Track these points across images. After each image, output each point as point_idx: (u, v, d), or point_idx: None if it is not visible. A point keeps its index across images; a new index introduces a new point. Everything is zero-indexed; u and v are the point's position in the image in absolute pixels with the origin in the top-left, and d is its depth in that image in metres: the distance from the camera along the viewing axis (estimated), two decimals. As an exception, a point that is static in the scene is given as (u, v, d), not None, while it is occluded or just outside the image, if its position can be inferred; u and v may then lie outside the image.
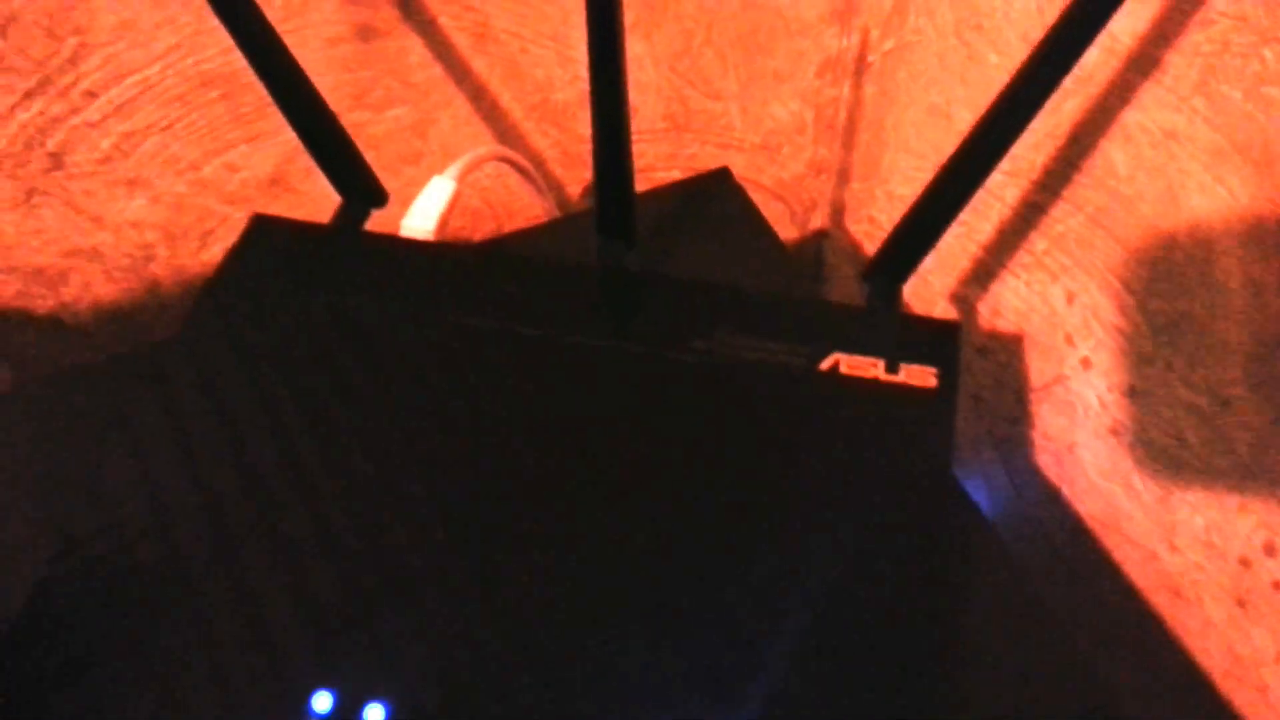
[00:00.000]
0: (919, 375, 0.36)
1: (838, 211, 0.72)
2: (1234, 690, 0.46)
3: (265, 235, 0.42)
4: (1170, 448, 0.46)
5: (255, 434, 0.36)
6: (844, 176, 0.70)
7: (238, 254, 0.42)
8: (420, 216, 0.45)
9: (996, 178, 0.54)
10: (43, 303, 0.55)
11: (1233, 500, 0.43)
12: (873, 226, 0.68)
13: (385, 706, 0.30)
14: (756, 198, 0.71)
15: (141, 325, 0.58)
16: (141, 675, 0.31)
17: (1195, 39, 0.39)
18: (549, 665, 0.30)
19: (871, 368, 0.36)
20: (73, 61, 0.47)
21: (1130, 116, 0.43)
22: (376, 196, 0.46)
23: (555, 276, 0.40)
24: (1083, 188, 0.48)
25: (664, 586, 0.31)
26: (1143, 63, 0.42)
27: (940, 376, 0.36)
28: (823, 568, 0.31)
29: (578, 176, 0.64)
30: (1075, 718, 0.34)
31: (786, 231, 0.75)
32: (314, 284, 0.40)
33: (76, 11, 0.45)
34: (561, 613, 0.31)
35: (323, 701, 0.30)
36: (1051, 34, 0.34)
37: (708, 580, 0.32)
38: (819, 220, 0.75)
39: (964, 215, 0.57)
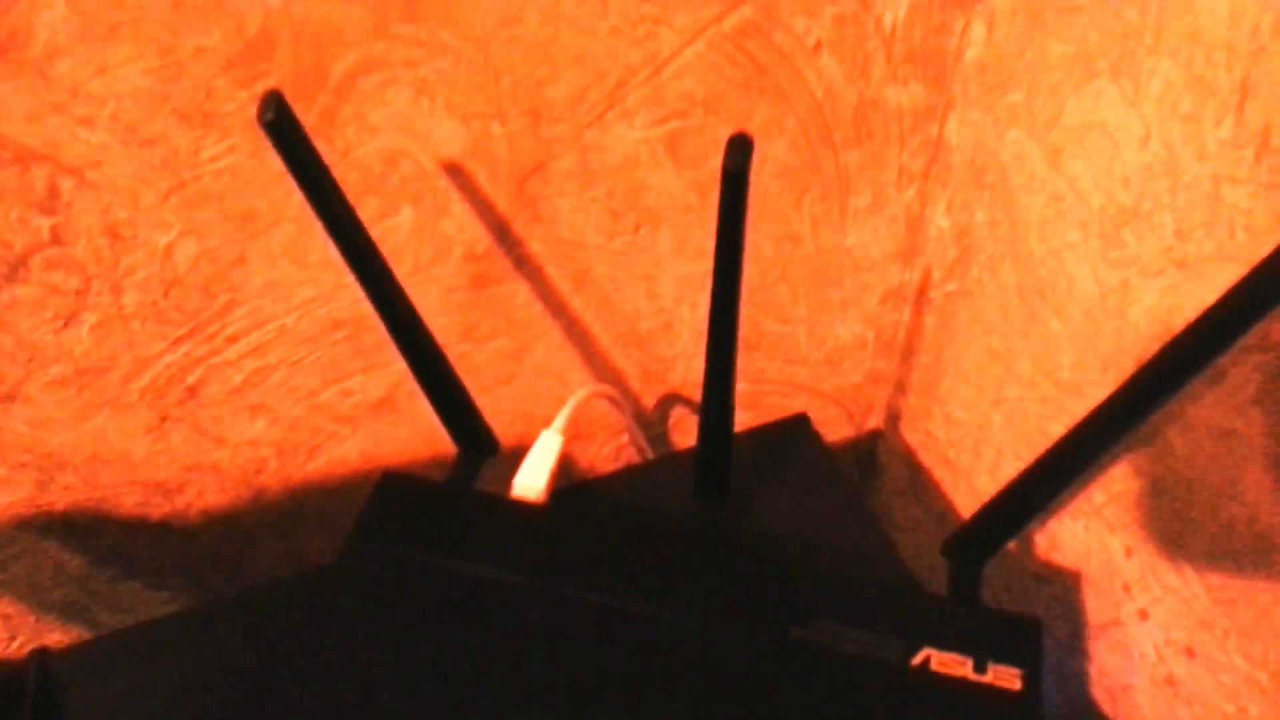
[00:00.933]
0: (1006, 677, 0.39)
1: (894, 417, 0.76)
2: None
3: (394, 493, 0.46)
4: (1228, 715, 0.49)
5: (385, 691, 0.39)
6: (901, 388, 0.74)
7: (371, 508, 0.46)
8: (531, 474, 0.49)
9: (1055, 427, 0.58)
10: (157, 510, 0.59)
11: (1292, 775, 0.46)
12: (928, 439, 0.72)
13: None
14: (816, 404, 0.76)
15: (243, 530, 0.62)
16: None
17: (1254, 357, 0.43)
18: None
19: (960, 666, 0.39)
20: (221, 314, 0.52)
21: (1191, 410, 0.47)
22: (489, 447, 0.50)
23: (659, 547, 0.44)
24: (1144, 459, 0.52)
25: None
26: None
27: (1025, 679, 0.38)
28: None
29: (654, 390, 0.69)
30: None
31: (843, 431, 0.79)
32: (435, 547, 0.43)
33: (233, 274, 0.50)
34: None
35: None
36: (1151, 361, 0.38)
37: None
38: (874, 422, 0.79)
39: (1021, 449, 0.60)
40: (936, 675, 0.39)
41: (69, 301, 0.49)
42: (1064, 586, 0.60)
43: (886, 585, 0.43)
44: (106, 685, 0.47)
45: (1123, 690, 0.56)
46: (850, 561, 0.44)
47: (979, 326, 0.63)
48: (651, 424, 0.70)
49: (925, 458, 0.73)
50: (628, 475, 0.56)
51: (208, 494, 0.59)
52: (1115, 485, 0.54)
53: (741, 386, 0.72)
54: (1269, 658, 0.46)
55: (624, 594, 0.42)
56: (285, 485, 0.61)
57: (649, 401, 0.69)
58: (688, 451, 0.59)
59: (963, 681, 0.39)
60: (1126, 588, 0.54)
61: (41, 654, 0.46)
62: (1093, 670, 0.59)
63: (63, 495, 0.55)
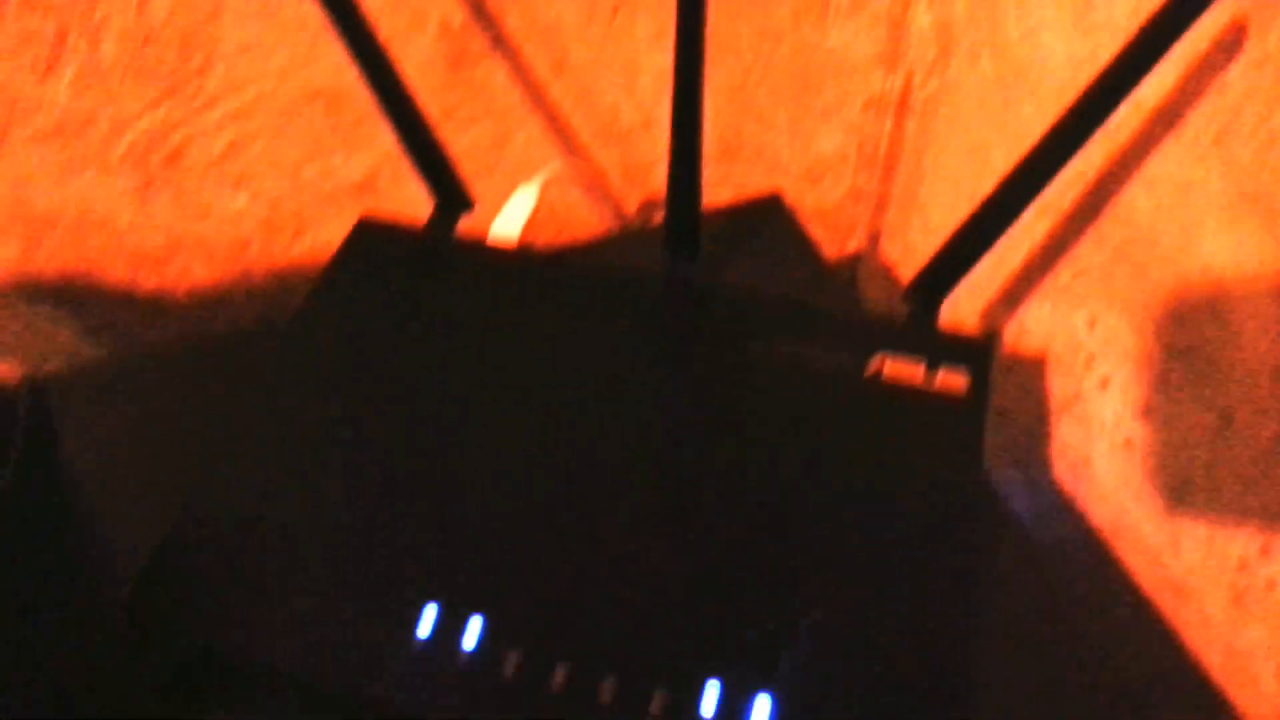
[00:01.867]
0: (954, 380, 0.40)
1: (873, 237, 0.77)
2: (1229, 682, 0.50)
3: (370, 236, 0.47)
4: (1179, 462, 0.51)
5: (366, 400, 0.41)
6: (881, 205, 0.75)
7: (346, 251, 0.47)
8: (507, 222, 0.50)
9: (1028, 216, 0.59)
10: (145, 284, 0.60)
11: (1233, 508, 0.48)
12: (906, 253, 0.73)
13: (481, 618, 0.35)
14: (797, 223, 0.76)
15: (233, 308, 0.63)
16: (266, 600, 0.36)
17: (1213, 102, 0.44)
18: (618, 602, 0.35)
19: (913, 373, 0.41)
20: (199, 73, 0.52)
21: (1152, 166, 0.48)
22: (465, 201, 0.51)
23: (625, 284, 0.45)
24: (1107, 226, 0.53)
25: (714, 562, 0.36)
26: (1165, 118, 0.47)
27: (972, 383, 0.40)
28: (861, 553, 0.36)
29: (635, 193, 0.69)
30: (1097, 703, 0.39)
31: (823, 253, 0.80)
32: (412, 283, 0.45)
33: (208, 30, 0.51)
34: (629, 565, 0.36)
35: (429, 612, 0.35)
36: (1087, 91, 0.39)
37: (755, 549, 0.36)
38: (855, 244, 0.80)
39: (996, 247, 0.62)
40: (887, 383, 0.40)
41: (46, 50, 0.49)
42: (1029, 373, 0.61)
43: (847, 312, 0.45)
44: (98, 410, 0.48)
45: (1083, 463, 0.58)
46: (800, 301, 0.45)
47: (958, 125, 0.63)
48: (631, 229, 0.71)
49: (904, 273, 0.74)
50: (596, 244, 0.57)
51: (195, 270, 0.61)
52: (1081, 261, 0.55)
53: (722, 199, 0.73)
54: (1216, 400, 0.48)
55: (591, 322, 0.43)
56: (271, 267, 0.62)
57: (630, 206, 0.70)
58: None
59: (913, 388, 0.40)
60: (1089, 360, 0.56)
61: (33, 380, 0.48)
62: (1054, 450, 0.61)
63: (51, 260, 0.57)
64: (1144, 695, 0.50)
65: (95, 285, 0.59)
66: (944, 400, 0.40)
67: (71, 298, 0.59)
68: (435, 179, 0.50)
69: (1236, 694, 0.49)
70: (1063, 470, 0.60)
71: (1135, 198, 0.50)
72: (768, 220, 0.57)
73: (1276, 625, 0.47)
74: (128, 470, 0.47)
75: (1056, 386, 0.60)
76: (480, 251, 0.47)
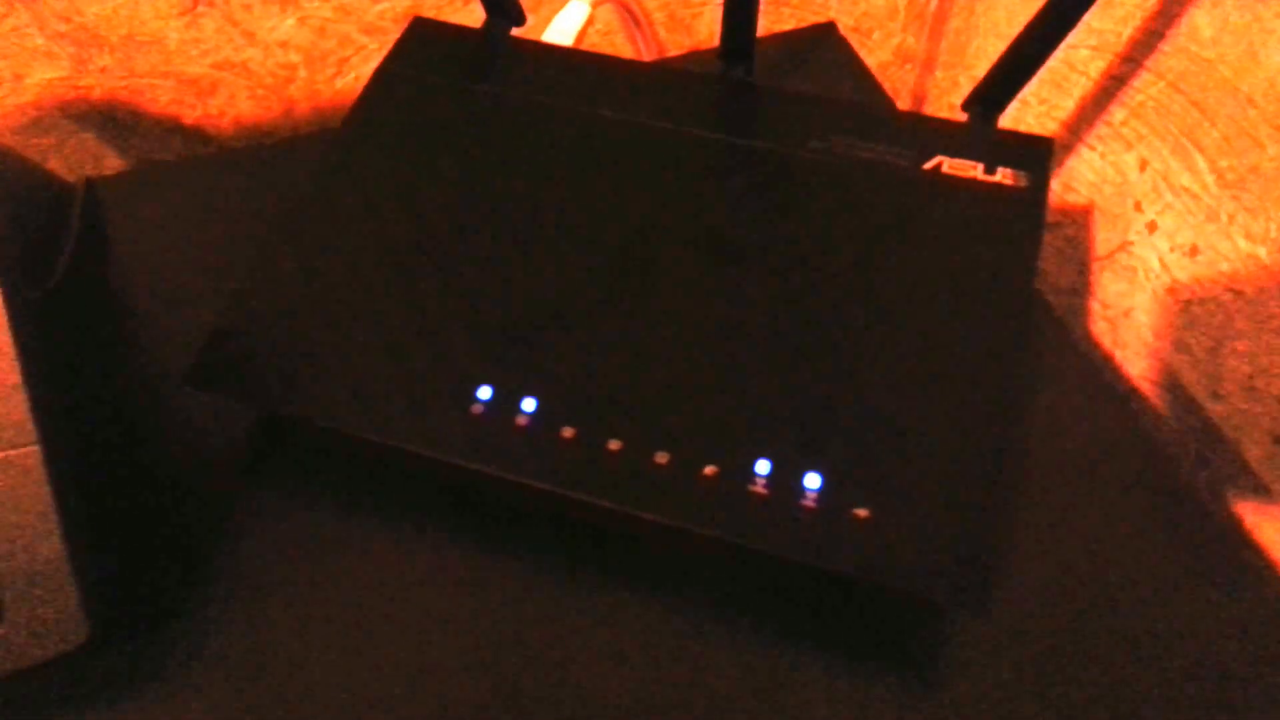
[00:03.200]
0: (1013, 177, 0.40)
1: (918, 100, 0.76)
2: (1261, 524, 0.50)
3: (424, 35, 0.47)
4: (1225, 301, 0.50)
5: (421, 194, 0.41)
6: (929, 66, 0.73)
7: (400, 49, 0.47)
8: (559, 33, 0.50)
9: (1082, 52, 0.58)
10: (190, 111, 0.60)
11: (1278, 347, 0.47)
12: (953, 112, 0.72)
13: (536, 400, 0.35)
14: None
15: (274, 142, 0.63)
16: (328, 367, 0.36)
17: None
18: (671, 386, 0.35)
19: (971, 169, 0.40)
20: (250, -123, 0.52)
21: (1220, -18, 0.47)
22: (517, 15, 0.51)
23: (683, 83, 0.45)
24: (1165, 56, 0.51)
25: (771, 345, 0.36)
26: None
27: (1031, 178, 0.40)
28: (912, 339, 0.36)
29: (680, 42, 0.68)
30: (1141, 488, 0.39)
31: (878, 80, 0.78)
32: (471, 77, 0.45)
33: None
34: (684, 350, 0.36)
35: (484, 392, 0.35)
36: None
37: (808, 329, 0.36)
38: (901, 106, 0.78)
39: (1045, 92, 0.61)
40: (947, 177, 0.40)
41: None
42: (1076, 225, 0.61)
43: (906, 114, 0.44)
44: (149, 210, 0.49)
45: (1124, 315, 0.58)
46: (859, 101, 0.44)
47: (1013, -31, 0.62)
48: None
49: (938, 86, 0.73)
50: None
51: (239, 100, 0.61)
52: (1136, 97, 0.54)
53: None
54: (1270, 230, 0.47)
55: (652, 115, 0.43)
56: (314, 102, 0.62)
57: (674, 54, 0.69)
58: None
59: (972, 181, 0.40)
60: (1138, 204, 0.55)
61: (90, 180, 0.49)
62: (1096, 305, 0.61)
63: (100, 79, 0.57)
64: (1187, 497, 0.50)
65: (142, 109, 0.59)
66: (1002, 194, 0.40)
67: (119, 120, 0.59)
68: None
69: (1267, 537, 0.50)
70: (1101, 327, 0.60)
71: (1197, 19, 0.49)
72: (821, 46, 0.56)
73: (1315, 459, 0.47)
74: (181, 269, 0.48)
75: (1101, 239, 0.59)
76: (535, 50, 0.46)
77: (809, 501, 0.32)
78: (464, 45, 0.46)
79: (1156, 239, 0.54)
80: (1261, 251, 0.48)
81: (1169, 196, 0.53)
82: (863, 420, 0.33)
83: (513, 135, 0.43)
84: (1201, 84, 0.49)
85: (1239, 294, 0.49)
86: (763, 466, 0.33)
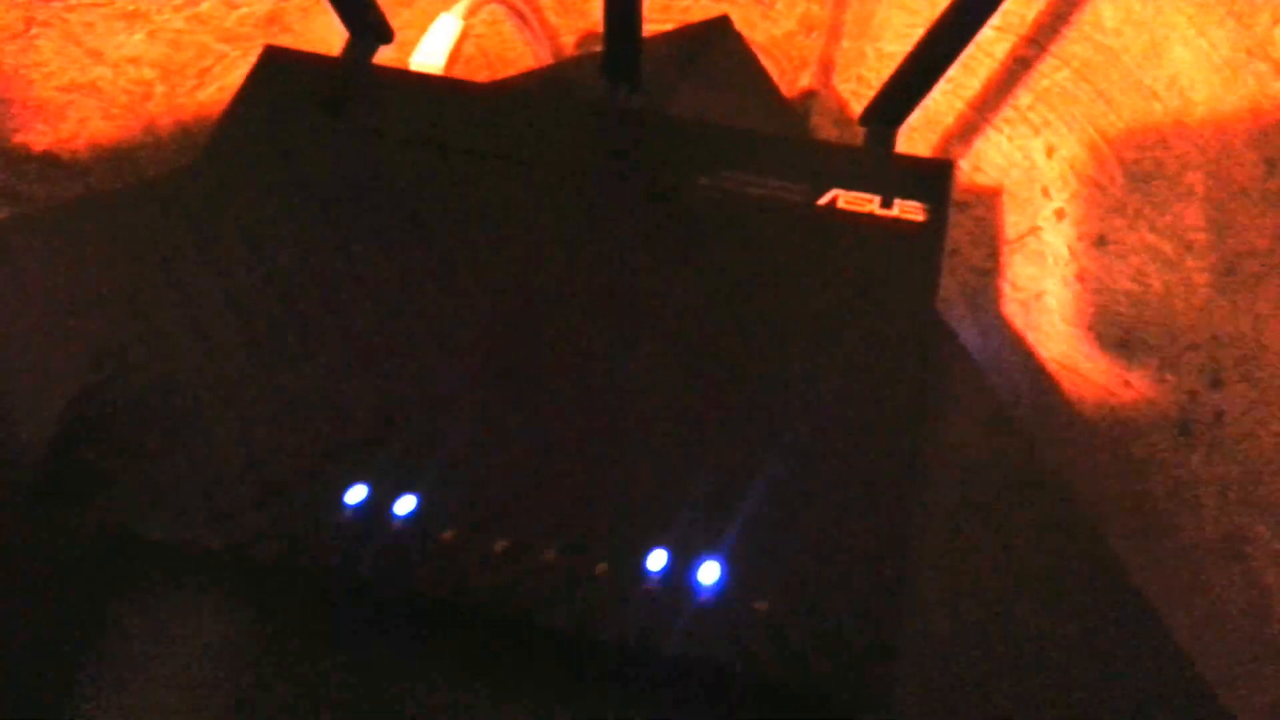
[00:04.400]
0: (911, 210, 0.38)
1: (826, 70, 0.73)
2: (1173, 509, 0.51)
3: (278, 66, 0.43)
4: (1133, 292, 0.50)
5: (280, 253, 0.38)
6: (834, 34, 0.71)
7: (252, 84, 0.43)
8: (428, 53, 0.46)
9: (987, 33, 0.56)
10: (41, 138, 0.55)
11: (1185, 338, 0.47)
12: (860, 85, 0.69)
13: (416, 498, 0.33)
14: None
15: (136, 162, 0.58)
16: (182, 474, 0.34)
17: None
18: (558, 472, 0.33)
19: (867, 203, 0.38)
20: (69, -115, 0.46)
21: (1121, -30, 0.45)
22: (383, 33, 0.47)
23: (562, 112, 0.42)
24: (1070, 42, 0.50)
25: (660, 402, 0.34)
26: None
27: (929, 211, 0.38)
28: (812, 384, 0.34)
29: (572, 25, 0.65)
30: (1042, 523, 0.38)
31: (775, 81, 0.76)
32: (326, 118, 0.41)
33: None
34: (569, 430, 0.34)
35: (356, 494, 0.33)
36: None
37: (703, 396, 0.34)
38: (808, 79, 0.76)
39: (952, 72, 0.58)
40: (843, 213, 0.38)
41: None
42: (985, 206, 0.59)
43: (798, 140, 0.42)
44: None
45: (1035, 299, 0.57)
46: (748, 130, 0.42)
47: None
48: (567, 65, 0.67)
49: (857, 107, 0.71)
50: (531, 75, 0.53)
51: (93, 122, 0.56)
52: (1042, 81, 0.52)
53: (666, 26, 0.68)
54: (1175, 227, 0.46)
55: (525, 151, 0.40)
56: (176, 117, 0.57)
57: (567, 40, 0.65)
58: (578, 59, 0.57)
59: (869, 216, 0.38)
60: (1045, 190, 0.54)
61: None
62: (1007, 287, 0.60)
63: (-72, 112, 0.51)
64: (1091, 523, 0.50)
65: (-17, 139, 0.54)
66: (900, 230, 0.38)
67: (-42, 154, 0.54)
68: (348, 6, 0.45)
69: (1182, 518, 0.50)
70: (1013, 309, 0.59)
71: (1100, 8, 0.47)
72: (715, 45, 0.53)
73: (1222, 454, 0.47)
74: (27, 339, 0.44)
75: (1010, 222, 0.58)
76: (401, 80, 0.43)
77: (706, 596, 0.31)
78: (323, 77, 0.43)
79: (1065, 226, 0.53)
80: (1166, 247, 0.47)
81: (1076, 185, 0.52)
82: (760, 501, 0.32)
83: (377, 181, 0.40)
84: (1106, 74, 0.48)
85: (1147, 286, 0.49)
86: (656, 561, 0.31)
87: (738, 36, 0.53)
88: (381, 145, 0.40)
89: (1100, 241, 0.51)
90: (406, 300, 0.37)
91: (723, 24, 0.53)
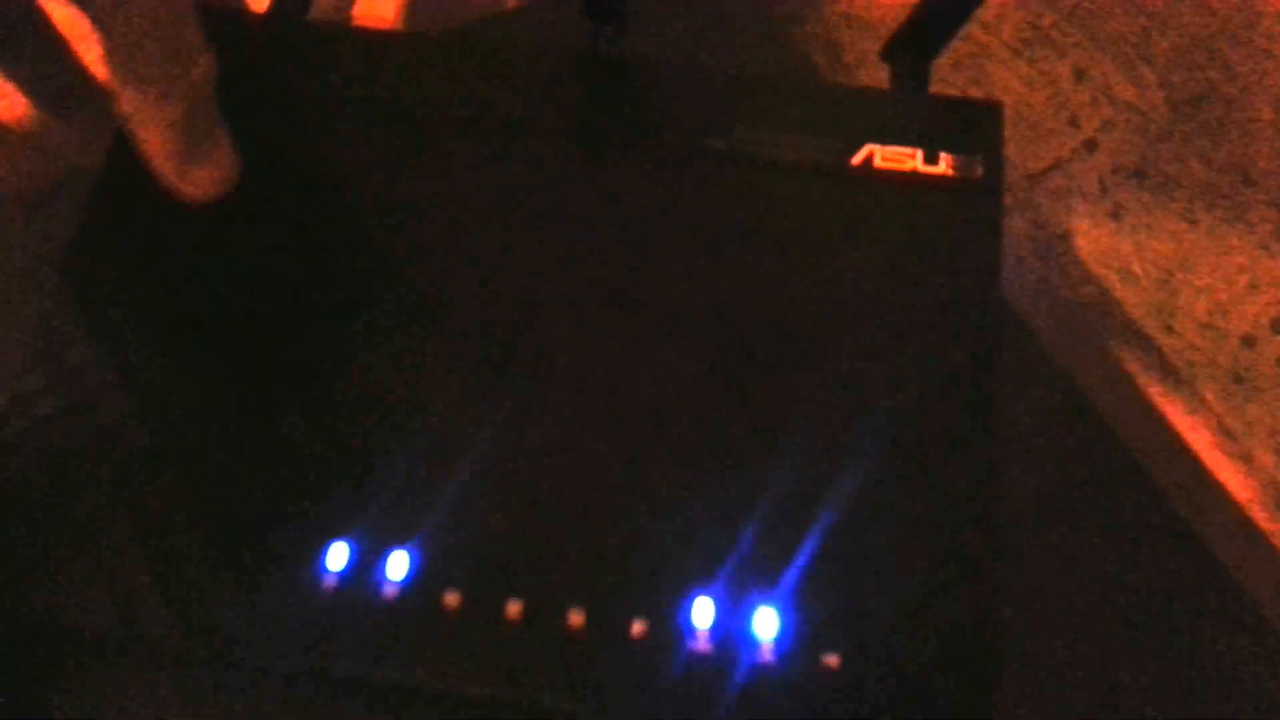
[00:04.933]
0: (960, 165, 0.33)
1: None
2: (1220, 462, 0.47)
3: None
4: (1179, 230, 0.45)
5: (218, 274, 0.31)
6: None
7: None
8: (370, 7, 0.39)
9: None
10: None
11: (1243, 279, 0.43)
12: (853, 6, 0.63)
13: (411, 553, 0.27)
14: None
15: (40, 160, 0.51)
16: (134, 538, 0.28)
17: None
18: (574, 516, 0.28)
19: (908, 159, 0.33)
20: None
21: None
22: None
23: (546, 65, 0.35)
24: (1103, -52, 0.44)
25: (689, 418, 0.29)
26: None
27: (983, 165, 0.33)
28: (867, 388, 0.29)
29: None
30: (1121, 516, 0.34)
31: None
32: (266, 85, 0.34)
33: None
34: (582, 461, 0.28)
35: (338, 554, 0.27)
36: None
37: (739, 409, 0.29)
38: (789, 7, 0.69)
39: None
40: (880, 173, 0.33)
41: None
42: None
43: (816, 84, 0.36)
44: None
45: (1059, 238, 0.52)
46: (762, 74, 0.36)
47: None
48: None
49: (847, 35, 0.64)
50: (497, 21, 0.46)
51: None
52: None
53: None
54: (1233, 155, 0.41)
55: (507, 115, 0.33)
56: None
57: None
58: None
59: (912, 175, 0.32)
60: (1074, 118, 0.49)
61: None
62: (1025, 226, 0.55)
63: None
64: (1136, 474, 0.46)
65: None
66: (950, 189, 0.32)
67: None
68: None
69: (1228, 474, 0.46)
70: (1030, 251, 0.54)
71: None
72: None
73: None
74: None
75: (1031, 154, 0.52)
76: (345, 37, 0.36)
77: (765, 653, 0.26)
78: (254, 41, 0.35)
79: (1098, 157, 0.48)
80: (1223, 181, 0.42)
81: (1110, 111, 0.46)
82: (817, 534, 0.27)
83: (325, 164, 0.33)
84: (1147, -16, 0.42)
85: (1194, 223, 0.44)
86: (702, 614, 0.26)
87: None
88: (329, 121, 0.33)
89: (1140, 175, 0.46)
90: (378, 308, 0.31)
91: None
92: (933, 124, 0.34)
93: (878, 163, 0.33)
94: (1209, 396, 0.47)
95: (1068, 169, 0.50)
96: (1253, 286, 0.42)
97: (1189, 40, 0.41)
